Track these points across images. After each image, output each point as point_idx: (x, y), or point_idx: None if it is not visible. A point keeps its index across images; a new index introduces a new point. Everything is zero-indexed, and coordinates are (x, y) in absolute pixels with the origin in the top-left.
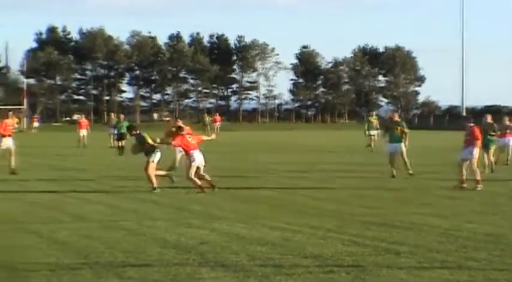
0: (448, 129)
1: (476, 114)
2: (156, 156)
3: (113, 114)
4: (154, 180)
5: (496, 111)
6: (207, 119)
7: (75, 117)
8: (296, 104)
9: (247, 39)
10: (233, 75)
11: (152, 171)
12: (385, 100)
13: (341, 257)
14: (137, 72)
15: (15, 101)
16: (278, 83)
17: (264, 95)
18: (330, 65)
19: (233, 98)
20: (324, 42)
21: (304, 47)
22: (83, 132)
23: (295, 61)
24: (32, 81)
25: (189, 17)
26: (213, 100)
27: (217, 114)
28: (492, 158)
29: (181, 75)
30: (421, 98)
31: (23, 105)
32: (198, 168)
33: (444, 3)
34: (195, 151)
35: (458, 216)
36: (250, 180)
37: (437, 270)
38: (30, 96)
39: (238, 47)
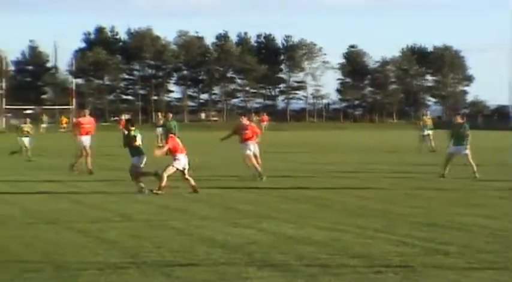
0: (497, 129)
1: None
2: (141, 159)
3: (160, 114)
4: (141, 182)
5: None
6: (255, 118)
7: (123, 117)
8: (344, 104)
9: (295, 39)
10: (280, 75)
11: (140, 175)
12: (433, 100)
13: (389, 257)
14: (185, 72)
15: (64, 101)
16: (325, 83)
17: (311, 94)
18: (378, 64)
19: (280, 98)
20: (372, 41)
21: (352, 46)
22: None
23: (342, 60)
24: (80, 81)
25: (236, 16)
26: (260, 100)
27: (265, 114)
28: None
29: (228, 75)
30: (469, 98)
31: (71, 105)
32: (181, 171)
33: (493, 1)
34: (182, 155)
35: (508, 217)
36: (298, 180)
37: (486, 270)
38: (79, 96)
39: (285, 47)
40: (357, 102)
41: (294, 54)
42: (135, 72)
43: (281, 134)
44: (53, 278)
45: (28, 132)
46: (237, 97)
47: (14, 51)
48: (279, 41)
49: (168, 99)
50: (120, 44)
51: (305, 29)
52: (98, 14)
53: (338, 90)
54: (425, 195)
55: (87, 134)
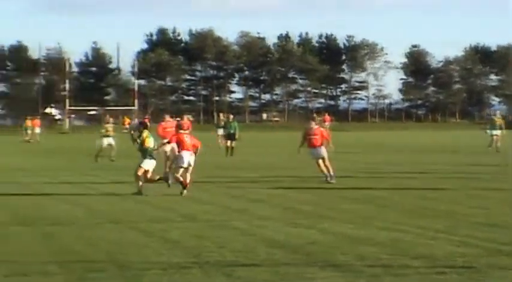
0: None
1: None
2: (146, 162)
3: (221, 115)
4: (140, 184)
5: None
6: (317, 119)
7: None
8: (406, 104)
9: (357, 39)
10: (342, 75)
11: (140, 173)
12: (497, 99)
13: (452, 258)
14: (246, 72)
15: (127, 102)
16: (387, 83)
17: (373, 94)
18: (441, 64)
19: (342, 98)
20: (434, 41)
21: (414, 46)
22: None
23: (404, 60)
24: (142, 82)
25: (297, 17)
26: (322, 100)
27: (327, 114)
28: None
29: (290, 75)
30: None
31: (134, 106)
32: (184, 168)
33: None
34: (187, 152)
35: None
36: (359, 180)
37: None
38: (141, 97)
39: (347, 47)
40: (419, 102)
41: (355, 54)
42: (197, 73)
43: (343, 134)
44: (117, 278)
45: (112, 132)
46: (299, 97)
47: (77, 53)
48: (341, 41)
49: (230, 99)
50: (182, 44)
51: (366, 28)
52: (160, 15)
53: (400, 90)
54: (487, 195)
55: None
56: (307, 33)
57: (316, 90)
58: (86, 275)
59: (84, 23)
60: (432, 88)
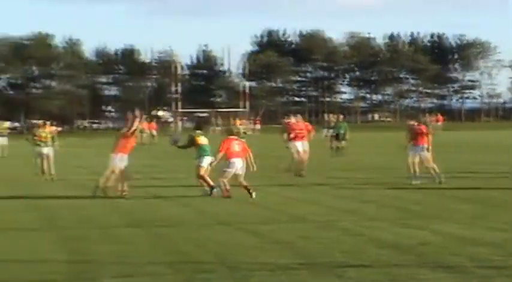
0: None
1: None
2: (204, 160)
3: (331, 115)
4: (208, 180)
5: None
6: (427, 118)
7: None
8: None
9: (468, 38)
10: (454, 74)
11: (203, 173)
12: None
13: None
14: (356, 73)
15: (236, 104)
16: (500, 81)
17: (486, 93)
18: None
19: (454, 98)
20: None
21: None
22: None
23: None
24: (252, 84)
25: (406, 16)
26: (434, 100)
27: (439, 114)
28: None
29: (401, 75)
30: None
31: (244, 108)
32: (236, 175)
33: None
34: (238, 159)
35: None
36: (470, 180)
37: None
38: (251, 99)
39: (458, 46)
40: None
41: (467, 53)
42: (307, 74)
43: (455, 134)
44: (226, 279)
45: (244, 133)
46: (410, 97)
47: (187, 56)
48: (452, 40)
49: (340, 100)
50: (292, 46)
51: (478, 27)
52: (268, 17)
53: (510, 89)
54: None
55: (301, 138)
56: (417, 33)
57: (428, 90)
58: (195, 276)
59: (194, 26)
60: None
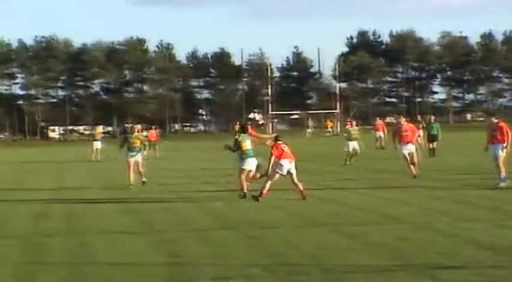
0: None
1: None
2: (245, 162)
3: (419, 117)
4: (244, 185)
5: None
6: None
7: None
8: None
9: None
10: None
11: (243, 176)
12: None
13: None
14: (449, 72)
15: (328, 105)
16: None
17: None
18: None
19: None
20: None
21: None
22: (379, 133)
23: None
24: (344, 85)
25: (500, 15)
26: None
27: None
28: None
29: (494, 74)
30: None
31: (336, 109)
32: (286, 175)
33: None
34: (286, 160)
35: None
36: None
37: None
38: (343, 100)
39: None
40: None
41: None
42: (399, 75)
43: None
44: (321, 280)
45: (356, 135)
46: (504, 96)
47: (278, 58)
48: None
49: (432, 100)
50: (383, 46)
51: None
52: (360, 18)
53: None
54: None
55: (407, 143)
56: (511, 31)
57: None
58: (291, 278)
59: (285, 28)
60: None
